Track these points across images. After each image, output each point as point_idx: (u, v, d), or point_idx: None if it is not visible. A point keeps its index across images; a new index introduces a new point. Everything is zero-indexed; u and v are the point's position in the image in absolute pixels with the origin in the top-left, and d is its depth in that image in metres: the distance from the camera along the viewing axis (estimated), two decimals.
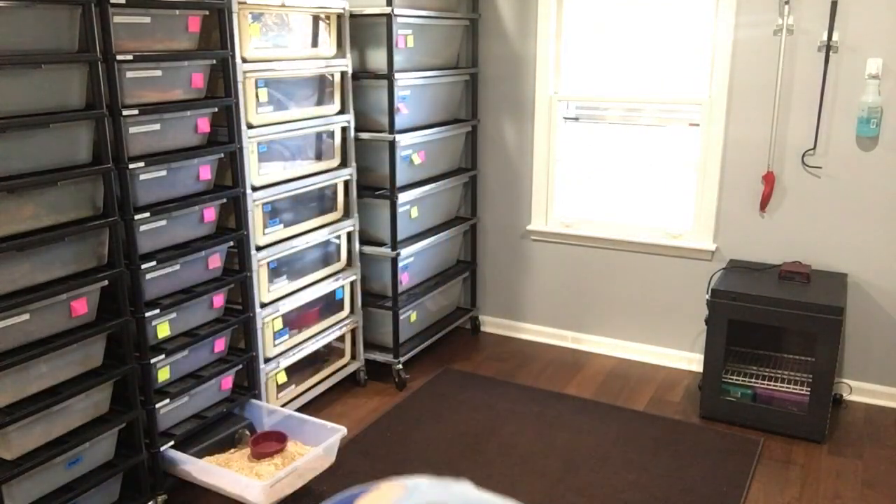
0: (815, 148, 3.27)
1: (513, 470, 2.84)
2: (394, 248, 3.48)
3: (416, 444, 3.04)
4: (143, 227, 2.39)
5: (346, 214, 3.40)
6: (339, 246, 3.39)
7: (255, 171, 2.85)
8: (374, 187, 3.50)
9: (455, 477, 0.87)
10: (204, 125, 2.58)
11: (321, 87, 3.14)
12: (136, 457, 2.46)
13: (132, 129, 2.33)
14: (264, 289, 2.96)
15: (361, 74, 3.33)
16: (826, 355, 3.00)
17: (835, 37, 3.13)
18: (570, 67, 3.85)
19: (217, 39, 2.60)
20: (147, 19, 2.32)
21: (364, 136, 3.38)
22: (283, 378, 3.13)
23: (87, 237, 2.23)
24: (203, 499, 2.67)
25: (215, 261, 2.70)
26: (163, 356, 2.51)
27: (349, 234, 3.43)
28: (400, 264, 3.56)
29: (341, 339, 3.50)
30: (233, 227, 2.79)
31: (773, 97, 3.30)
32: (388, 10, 3.18)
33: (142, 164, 2.33)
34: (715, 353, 3.19)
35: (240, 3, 2.63)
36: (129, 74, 2.29)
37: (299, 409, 3.20)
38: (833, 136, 3.25)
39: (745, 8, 3.29)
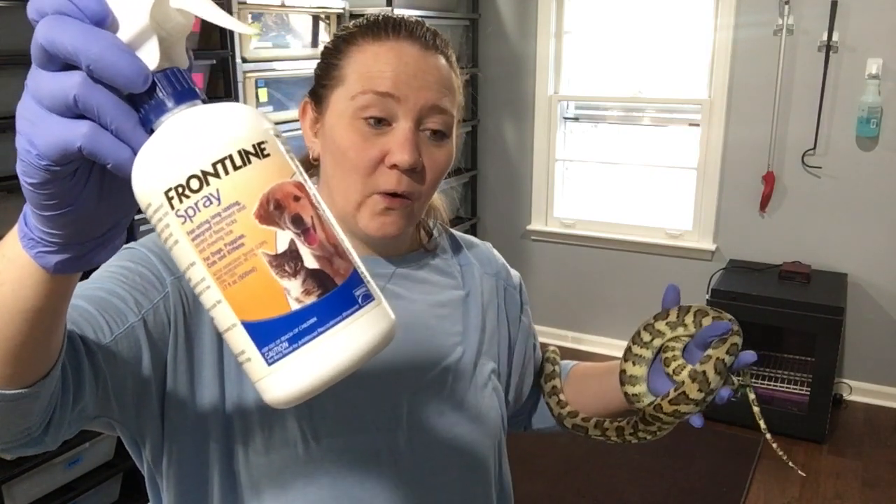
0: (815, 148, 3.27)
1: (513, 470, 2.84)
2: None
3: None
4: (142, 227, 2.38)
5: None
6: None
7: None
8: None
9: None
10: None
11: None
12: None
13: None
14: None
15: None
16: (826, 355, 3.00)
17: (835, 37, 3.13)
18: (570, 67, 3.85)
19: (217, 39, 2.59)
20: None
21: None
22: None
23: None
24: None
25: None
26: None
27: None
28: None
29: None
30: None
31: (773, 97, 3.30)
32: (388, 9, 3.18)
33: None
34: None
35: (240, 3, 2.63)
36: None
37: None
38: (833, 136, 3.25)
39: (745, 8, 3.29)
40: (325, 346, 0.43)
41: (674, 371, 0.83)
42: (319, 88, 0.82)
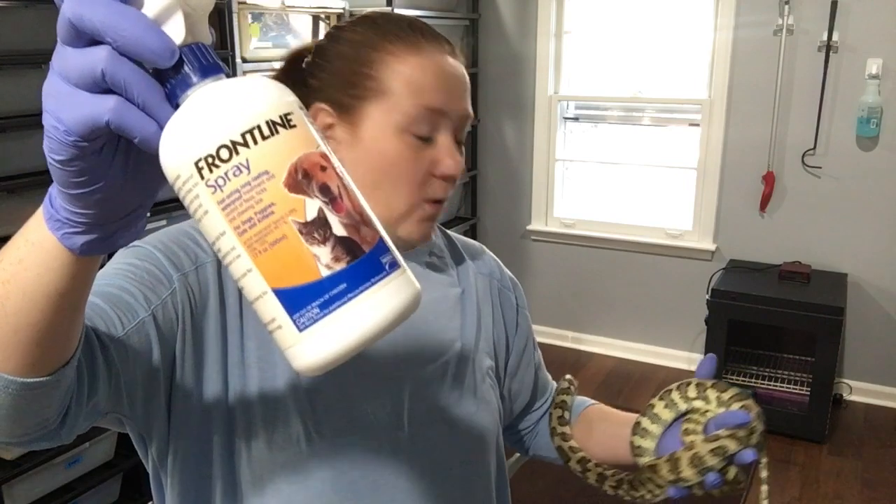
0: (815, 148, 3.27)
1: (513, 470, 2.83)
2: None
3: None
4: (149, 227, 2.38)
5: None
6: None
7: None
8: None
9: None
10: None
11: None
12: (135, 457, 2.45)
13: None
14: None
15: None
16: (826, 355, 3.00)
17: (835, 37, 3.13)
18: (570, 67, 3.85)
19: (217, 39, 2.60)
20: None
21: None
22: None
23: None
24: None
25: None
26: None
27: None
28: None
29: None
30: None
31: (773, 97, 3.30)
32: (387, 10, 3.18)
33: None
34: (715, 353, 3.18)
35: (240, 3, 2.63)
36: None
37: None
38: (833, 136, 3.25)
39: (745, 8, 3.29)
40: (356, 312, 0.44)
41: (684, 432, 0.82)
42: (345, 97, 0.80)
